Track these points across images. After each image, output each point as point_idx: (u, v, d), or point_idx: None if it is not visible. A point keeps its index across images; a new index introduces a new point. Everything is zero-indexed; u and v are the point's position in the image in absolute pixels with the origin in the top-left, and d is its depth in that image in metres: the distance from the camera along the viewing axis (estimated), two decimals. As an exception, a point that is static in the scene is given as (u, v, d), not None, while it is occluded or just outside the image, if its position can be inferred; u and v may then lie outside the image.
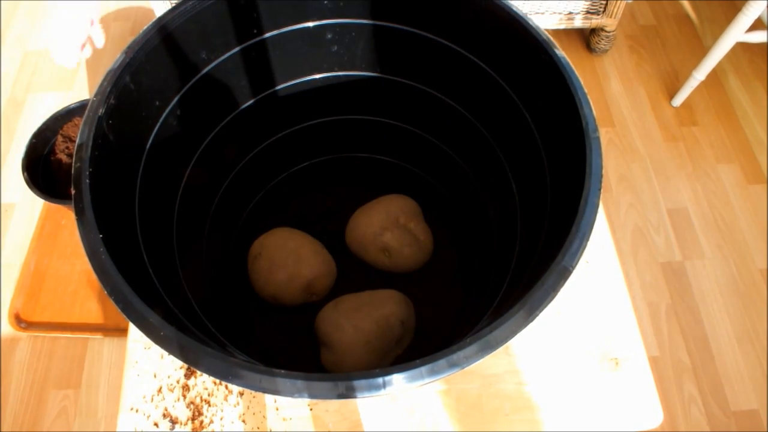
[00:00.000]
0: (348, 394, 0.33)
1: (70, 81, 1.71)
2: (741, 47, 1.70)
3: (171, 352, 0.35)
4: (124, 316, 0.36)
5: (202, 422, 0.57)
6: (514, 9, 0.49)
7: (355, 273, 0.71)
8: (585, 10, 1.46)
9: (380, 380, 0.33)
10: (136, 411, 0.57)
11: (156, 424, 0.56)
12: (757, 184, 1.49)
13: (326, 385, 0.34)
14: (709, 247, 1.40)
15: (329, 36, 0.58)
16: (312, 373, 0.34)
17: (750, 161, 1.52)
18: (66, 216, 1.44)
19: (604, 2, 1.44)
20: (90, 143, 0.42)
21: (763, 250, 1.39)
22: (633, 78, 1.63)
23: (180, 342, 0.35)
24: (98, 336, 1.31)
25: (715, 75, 1.65)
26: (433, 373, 0.34)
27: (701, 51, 1.69)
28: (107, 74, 0.45)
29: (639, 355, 0.60)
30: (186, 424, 0.57)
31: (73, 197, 0.40)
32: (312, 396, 0.34)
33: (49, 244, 1.40)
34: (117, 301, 0.36)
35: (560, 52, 0.47)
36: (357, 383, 0.33)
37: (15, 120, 1.64)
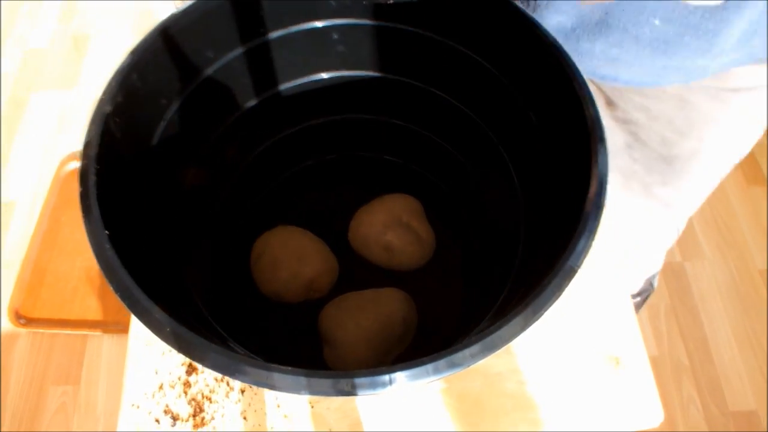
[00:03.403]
0: (352, 391, 0.34)
1: (73, 80, 1.71)
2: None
3: (175, 347, 0.35)
4: (131, 313, 0.36)
5: (203, 419, 0.57)
6: (522, 10, 0.49)
7: (358, 271, 0.71)
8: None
9: (385, 378, 0.33)
10: (138, 407, 0.57)
11: (157, 421, 0.57)
12: (757, 186, 1.49)
13: (328, 383, 0.34)
14: (709, 248, 1.40)
15: (335, 36, 0.58)
16: (316, 370, 0.34)
17: (750, 162, 1.53)
18: (66, 213, 1.44)
19: (605, 3, 1.44)
20: (97, 141, 0.42)
21: (763, 252, 1.39)
22: (634, 78, 1.64)
23: (185, 338, 0.35)
24: (98, 333, 1.32)
25: (715, 76, 1.65)
26: (438, 371, 0.34)
27: (702, 52, 1.69)
28: (115, 73, 0.45)
29: (639, 355, 0.60)
30: (187, 420, 0.57)
31: (79, 195, 0.40)
32: (315, 393, 0.34)
33: (49, 241, 1.41)
34: (123, 298, 0.36)
35: (566, 52, 0.47)
36: (361, 381, 0.34)
37: (17, 119, 1.64)
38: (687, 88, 0.63)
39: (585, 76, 0.69)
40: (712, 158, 0.71)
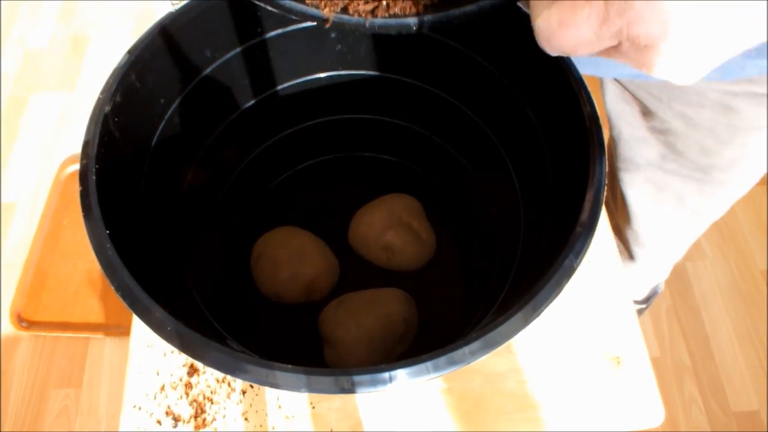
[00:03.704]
0: (352, 389, 0.34)
1: (72, 80, 1.72)
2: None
3: (177, 346, 0.35)
4: (132, 312, 0.36)
5: (204, 420, 0.57)
6: (519, 7, 0.49)
7: (358, 271, 0.71)
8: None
9: (385, 375, 0.34)
10: (139, 409, 0.57)
11: (159, 422, 0.57)
12: (758, 185, 1.48)
13: (329, 380, 0.34)
14: (710, 248, 1.40)
15: (333, 35, 0.58)
16: (317, 368, 0.34)
17: (750, 162, 1.52)
18: (67, 216, 1.44)
19: None
20: (96, 141, 0.42)
21: (764, 251, 1.39)
22: (634, 79, 1.64)
23: (187, 337, 0.35)
24: (99, 335, 1.32)
25: (715, 76, 1.65)
26: (438, 368, 0.34)
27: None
28: (113, 72, 0.45)
29: (640, 354, 0.60)
30: (189, 421, 0.57)
31: (79, 194, 0.40)
32: (315, 390, 0.34)
33: (50, 243, 1.41)
34: (124, 297, 0.36)
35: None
36: (361, 378, 0.34)
37: (16, 119, 1.64)
38: (731, 94, 0.61)
39: (620, 79, 0.69)
40: (752, 166, 0.70)
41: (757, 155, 0.67)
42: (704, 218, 0.81)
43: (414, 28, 0.39)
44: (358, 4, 0.39)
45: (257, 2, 0.40)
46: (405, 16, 0.39)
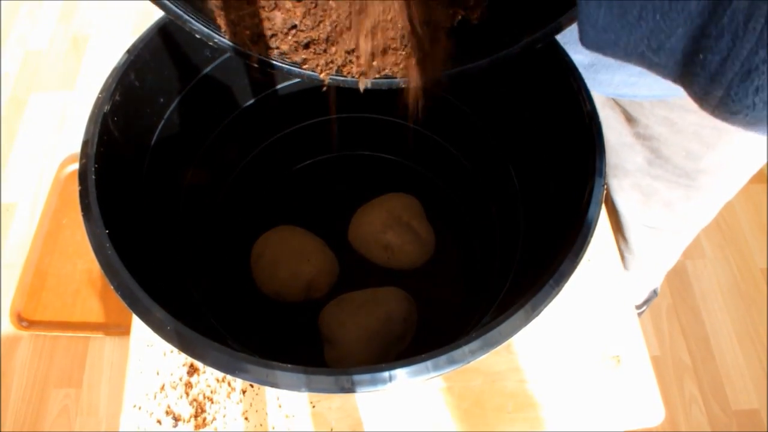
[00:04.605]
0: (352, 388, 0.34)
1: (72, 80, 1.71)
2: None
3: (177, 346, 0.35)
4: (131, 311, 0.36)
5: (204, 419, 0.57)
6: None
7: (358, 270, 0.71)
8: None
9: (385, 374, 0.34)
10: (139, 408, 0.57)
11: (159, 422, 0.57)
12: (758, 184, 1.49)
13: (329, 380, 0.34)
14: (710, 247, 1.40)
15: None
16: (317, 367, 0.34)
17: (750, 161, 1.52)
18: (67, 215, 1.44)
19: None
20: (95, 140, 0.42)
21: (764, 250, 1.39)
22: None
23: (187, 336, 0.35)
24: (99, 335, 1.32)
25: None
26: (437, 367, 0.34)
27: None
28: (112, 72, 0.45)
29: (640, 353, 0.60)
30: (189, 421, 0.57)
31: (78, 194, 0.40)
32: (315, 390, 0.34)
33: (50, 243, 1.41)
34: (123, 297, 0.36)
35: (563, 49, 0.47)
36: (361, 377, 0.34)
37: (16, 120, 1.64)
38: None
39: (603, 96, 0.69)
40: (738, 168, 0.70)
41: (741, 158, 0.68)
42: (693, 225, 0.81)
43: (403, 86, 0.42)
44: (351, 68, 0.42)
45: (257, 66, 0.42)
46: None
